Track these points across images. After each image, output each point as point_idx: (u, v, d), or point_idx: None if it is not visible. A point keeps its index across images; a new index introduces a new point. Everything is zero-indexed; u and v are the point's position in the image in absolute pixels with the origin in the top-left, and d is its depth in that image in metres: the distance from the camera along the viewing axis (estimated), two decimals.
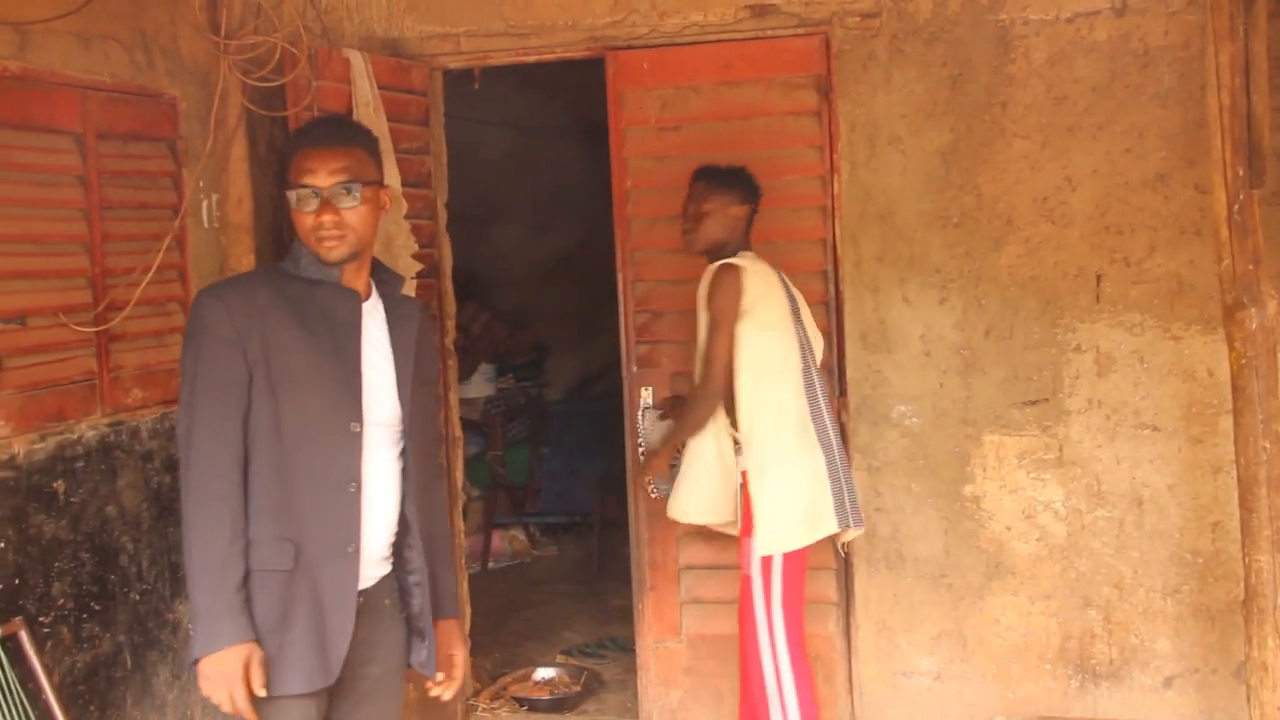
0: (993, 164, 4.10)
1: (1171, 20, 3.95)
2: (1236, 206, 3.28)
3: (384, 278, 2.77)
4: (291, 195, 2.61)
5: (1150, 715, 4.05)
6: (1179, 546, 4.03)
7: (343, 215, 2.58)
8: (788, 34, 4.21)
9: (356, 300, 2.65)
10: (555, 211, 8.36)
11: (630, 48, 4.30)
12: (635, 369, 4.36)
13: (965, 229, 4.12)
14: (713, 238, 3.74)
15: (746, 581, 3.67)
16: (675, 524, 4.29)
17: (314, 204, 2.59)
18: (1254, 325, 3.29)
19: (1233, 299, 3.31)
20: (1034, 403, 4.11)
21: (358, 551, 2.57)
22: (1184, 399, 4.00)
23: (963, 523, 4.17)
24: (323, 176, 2.59)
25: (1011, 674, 4.16)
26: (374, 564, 2.67)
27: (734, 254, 3.72)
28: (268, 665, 2.48)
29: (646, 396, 4.30)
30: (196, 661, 2.48)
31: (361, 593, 2.61)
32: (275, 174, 2.67)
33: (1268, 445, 3.28)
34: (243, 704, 2.45)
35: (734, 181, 3.78)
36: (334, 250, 2.59)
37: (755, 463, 3.62)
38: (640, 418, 4.30)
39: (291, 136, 2.76)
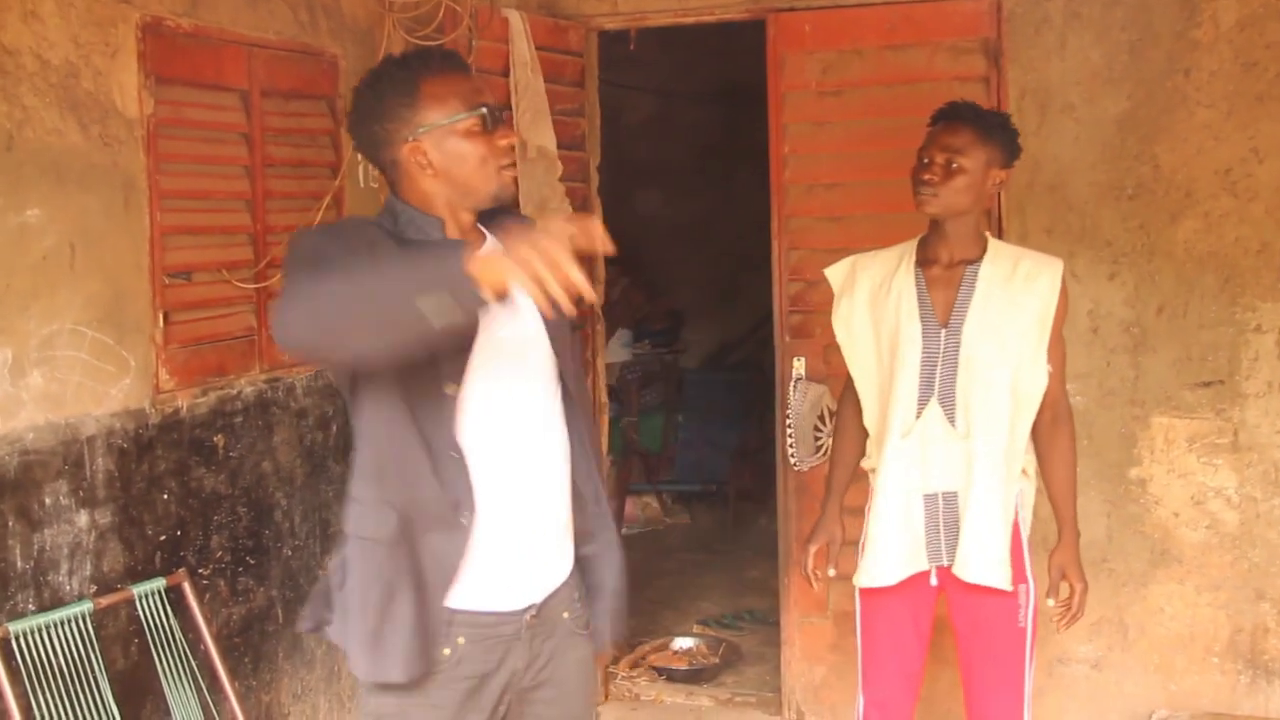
0: (1172, 134, 3.89)
1: None
2: None
3: (486, 214, 2.28)
4: (466, 119, 2.14)
5: None
6: None
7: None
8: None
9: (460, 248, 2.00)
10: (695, 177, 8.27)
11: (792, 10, 4.17)
12: (788, 339, 4.25)
13: (1140, 201, 3.93)
14: (959, 203, 2.91)
15: (1019, 636, 3.03)
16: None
17: (496, 125, 2.17)
18: None
19: None
20: (1208, 384, 3.91)
21: (471, 524, 2.17)
22: None
23: (1127, 506, 4.00)
24: (489, 98, 2.19)
25: (1175, 666, 3.98)
26: (546, 566, 2.30)
27: (976, 228, 3.00)
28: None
29: (799, 367, 4.19)
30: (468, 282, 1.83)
31: (533, 607, 2.26)
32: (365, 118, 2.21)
33: None
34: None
35: (1005, 137, 2.97)
36: (514, 181, 2.24)
37: (1027, 499, 3.10)
38: (791, 390, 4.19)
39: (396, 67, 2.20)
